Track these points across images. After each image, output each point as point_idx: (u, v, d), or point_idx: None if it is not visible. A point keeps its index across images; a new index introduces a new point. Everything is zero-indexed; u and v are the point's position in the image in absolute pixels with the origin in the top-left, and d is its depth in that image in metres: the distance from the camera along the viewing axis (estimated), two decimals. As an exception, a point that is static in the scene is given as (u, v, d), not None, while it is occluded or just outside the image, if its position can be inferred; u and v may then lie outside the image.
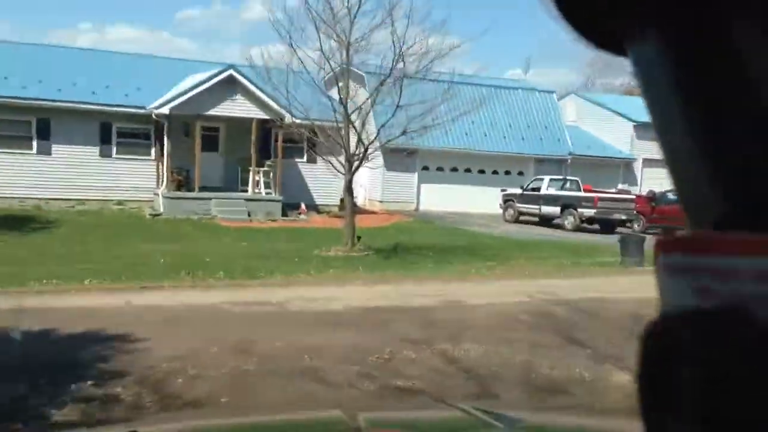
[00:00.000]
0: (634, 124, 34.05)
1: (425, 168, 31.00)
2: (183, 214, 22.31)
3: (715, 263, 0.41)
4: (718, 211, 0.43)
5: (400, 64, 15.76)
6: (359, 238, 17.50)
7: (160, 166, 24.22)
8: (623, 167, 34.30)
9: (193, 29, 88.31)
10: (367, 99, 16.86)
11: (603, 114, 35.30)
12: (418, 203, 30.79)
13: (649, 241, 17.63)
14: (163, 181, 23.81)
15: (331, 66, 16.32)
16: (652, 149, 34.38)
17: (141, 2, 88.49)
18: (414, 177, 30.78)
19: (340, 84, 16.88)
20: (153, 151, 24.91)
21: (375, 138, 16.67)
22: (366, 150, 16.63)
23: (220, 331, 8.48)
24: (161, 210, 22.91)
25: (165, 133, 23.52)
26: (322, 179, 26.49)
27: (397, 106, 16.21)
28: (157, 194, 23.69)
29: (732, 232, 0.41)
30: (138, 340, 7.85)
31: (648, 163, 34.35)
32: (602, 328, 9.79)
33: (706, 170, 0.44)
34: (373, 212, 29.02)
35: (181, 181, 23.48)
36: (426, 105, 17.08)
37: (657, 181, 32.64)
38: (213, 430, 2.31)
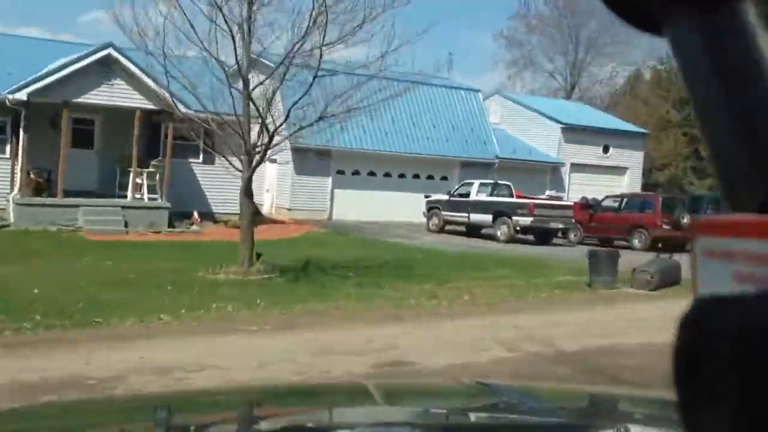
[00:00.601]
0: (562, 126, 30.70)
1: (340, 172, 26.61)
2: (39, 224, 17.09)
3: (754, 247, 0.39)
4: (761, 195, 0.41)
5: (321, 18, 11.20)
6: (259, 255, 12.97)
7: (16, 166, 18.91)
8: (551, 172, 30.86)
9: (97, 32, 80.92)
10: (276, 68, 12.28)
11: (529, 116, 31.73)
12: (331, 211, 26.35)
13: (626, 256, 13.82)
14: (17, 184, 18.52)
15: (226, 20, 11.56)
16: (580, 153, 31.13)
17: (46, 6, 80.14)
18: (327, 182, 26.35)
19: (250, 74, 12.32)
20: (8, 147, 19.52)
21: (283, 122, 12.13)
22: (271, 138, 12.08)
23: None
24: (11, 220, 17.65)
25: (21, 124, 18.31)
26: (221, 183, 21.68)
27: (315, 77, 11.75)
28: (9, 200, 18.38)
29: None
30: None
31: (575, 168, 31.07)
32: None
33: (748, 153, 0.42)
34: (280, 222, 24.45)
35: (41, 183, 18.24)
36: (349, 84, 12.76)
37: (584, 187, 29.37)
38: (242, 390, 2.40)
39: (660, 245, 21.96)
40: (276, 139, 12.70)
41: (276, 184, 26.11)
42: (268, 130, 11.92)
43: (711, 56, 0.42)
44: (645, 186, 33.30)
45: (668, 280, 13.64)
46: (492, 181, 24.89)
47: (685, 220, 22.39)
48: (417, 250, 18.76)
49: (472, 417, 1.86)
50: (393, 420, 1.73)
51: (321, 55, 11.53)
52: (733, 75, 0.42)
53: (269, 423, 1.76)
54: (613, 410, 2.00)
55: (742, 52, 0.41)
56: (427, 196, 25.29)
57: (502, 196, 23.60)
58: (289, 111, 12.08)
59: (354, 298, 11.19)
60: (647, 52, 45.36)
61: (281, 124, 12.02)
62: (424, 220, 24.89)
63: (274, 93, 12.78)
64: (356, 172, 27.01)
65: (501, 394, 1.93)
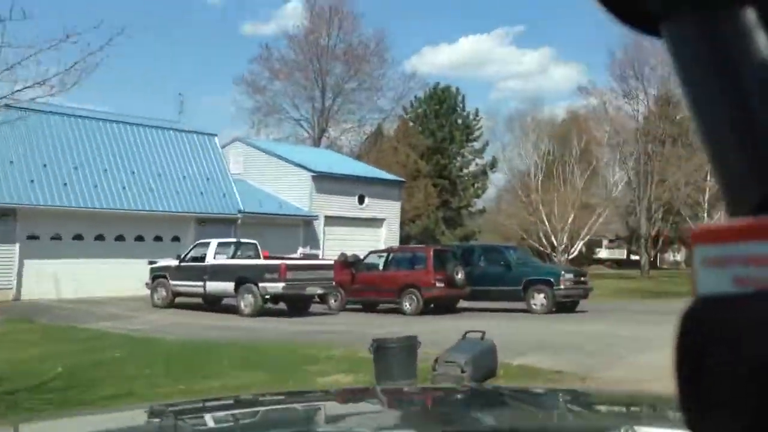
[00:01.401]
0: (313, 174, 26.07)
1: (32, 237, 19.34)
2: None
3: (750, 249, 0.38)
4: (758, 195, 0.40)
5: None
6: None
7: None
8: (303, 226, 25.94)
9: None
10: None
11: (276, 164, 26.72)
12: (19, 289, 18.89)
13: (400, 325, 8.87)
14: None
15: None
16: (334, 204, 26.69)
17: None
18: (13, 250, 18.93)
19: None
20: None
21: None
22: None
23: None
24: None
25: None
26: None
27: None
28: None
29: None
30: None
31: (330, 221, 26.51)
32: None
33: (745, 153, 0.40)
34: (-64, 309, 16.68)
35: None
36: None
37: (341, 242, 24.82)
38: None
39: (432, 306, 17.99)
40: None
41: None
42: None
43: (710, 54, 0.40)
44: (401, 239, 29.74)
45: (483, 370, 9.01)
46: (233, 240, 19.30)
47: (460, 275, 18.50)
48: (122, 341, 12.54)
49: (477, 418, 1.77)
50: (395, 422, 1.71)
51: None
52: (733, 76, 0.39)
53: (271, 427, 1.72)
54: (617, 409, 1.89)
55: (741, 50, 0.39)
56: (151, 263, 18.94)
57: (247, 257, 18.18)
58: None
59: None
60: (393, 101, 42.98)
61: None
62: (149, 292, 18.53)
63: None
64: (56, 237, 19.90)
65: (503, 396, 1.85)
